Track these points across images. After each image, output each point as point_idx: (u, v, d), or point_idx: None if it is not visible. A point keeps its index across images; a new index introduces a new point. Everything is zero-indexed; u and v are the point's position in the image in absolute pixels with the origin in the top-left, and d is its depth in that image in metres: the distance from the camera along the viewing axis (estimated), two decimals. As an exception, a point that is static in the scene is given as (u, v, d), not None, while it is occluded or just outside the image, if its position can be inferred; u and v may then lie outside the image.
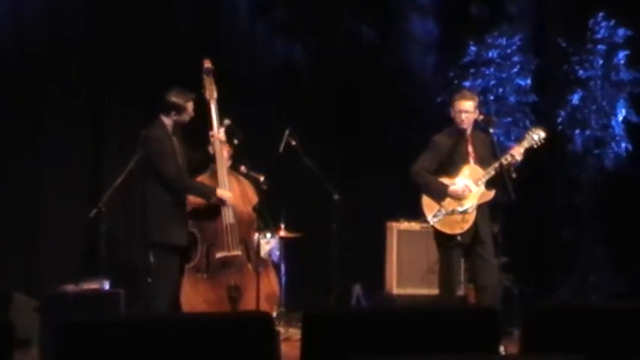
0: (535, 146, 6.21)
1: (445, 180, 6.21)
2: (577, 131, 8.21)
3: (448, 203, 6.16)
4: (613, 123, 8.17)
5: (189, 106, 6.10)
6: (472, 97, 6.35)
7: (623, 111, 8.16)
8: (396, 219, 7.85)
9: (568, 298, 7.98)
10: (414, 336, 3.47)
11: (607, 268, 8.22)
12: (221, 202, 6.22)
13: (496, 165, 6.11)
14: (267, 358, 3.35)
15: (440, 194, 6.17)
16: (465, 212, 6.13)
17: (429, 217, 6.21)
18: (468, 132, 6.26)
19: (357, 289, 7.90)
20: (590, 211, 8.29)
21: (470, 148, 6.25)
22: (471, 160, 6.26)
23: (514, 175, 6.10)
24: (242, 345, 3.31)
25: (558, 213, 8.48)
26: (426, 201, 6.23)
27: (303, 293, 7.35)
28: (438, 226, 6.18)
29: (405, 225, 7.83)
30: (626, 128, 8.18)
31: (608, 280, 8.14)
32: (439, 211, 6.17)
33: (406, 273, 7.76)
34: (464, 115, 6.19)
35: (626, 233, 8.34)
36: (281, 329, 6.76)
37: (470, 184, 6.18)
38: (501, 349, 5.16)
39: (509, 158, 6.12)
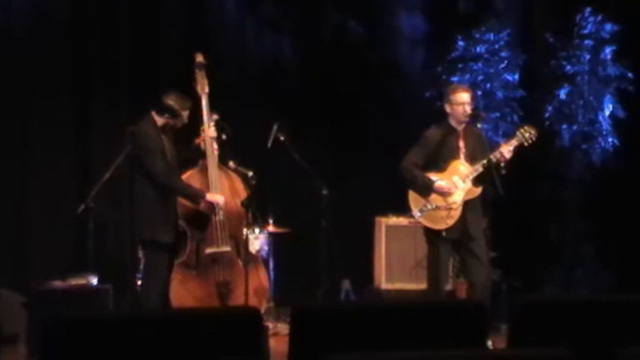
0: (525, 144, 6.23)
1: (433, 175, 6.22)
2: (564, 126, 8.22)
3: (434, 199, 6.17)
4: (600, 118, 8.19)
5: (185, 113, 6.08)
6: (467, 88, 6.50)
7: (610, 106, 8.17)
8: (385, 214, 7.86)
9: (555, 292, 8.00)
10: (403, 331, 3.48)
11: (594, 262, 8.24)
12: (211, 206, 6.17)
13: (484, 161, 6.12)
14: (256, 353, 3.36)
15: (426, 190, 6.17)
16: (450, 208, 6.14)
17: (415, 212, 6.22)
18: (460, 127, 6.27)
19: (346, 284, 7.91)
20: (577, 206, 8.31)
21: (461, 144, 6.26)
22: (461, 156, 6.26)
23: (504, 172, 6.12)
24: (231, 340, 3.32)
25: (546, 208, 8.50)
26: (413, 196, 6.23)
27: (291, 288, 7.35)
28: (423, 221, 6.20)
29: (393, 220, 7.84)
30: (613, 123, 8.20)
31: (596, 274, 8.17)
32: (425, 206, 6.17)
33: (395, 268, 7.78)
34: (467, 107, 6.20)
35: (613, 228, 8.37)
36: (270, 324, 6.76)
37: (457, 180, 6.18)
38: (489, 343, 5.21)
39: (497, 155, 6.13)
